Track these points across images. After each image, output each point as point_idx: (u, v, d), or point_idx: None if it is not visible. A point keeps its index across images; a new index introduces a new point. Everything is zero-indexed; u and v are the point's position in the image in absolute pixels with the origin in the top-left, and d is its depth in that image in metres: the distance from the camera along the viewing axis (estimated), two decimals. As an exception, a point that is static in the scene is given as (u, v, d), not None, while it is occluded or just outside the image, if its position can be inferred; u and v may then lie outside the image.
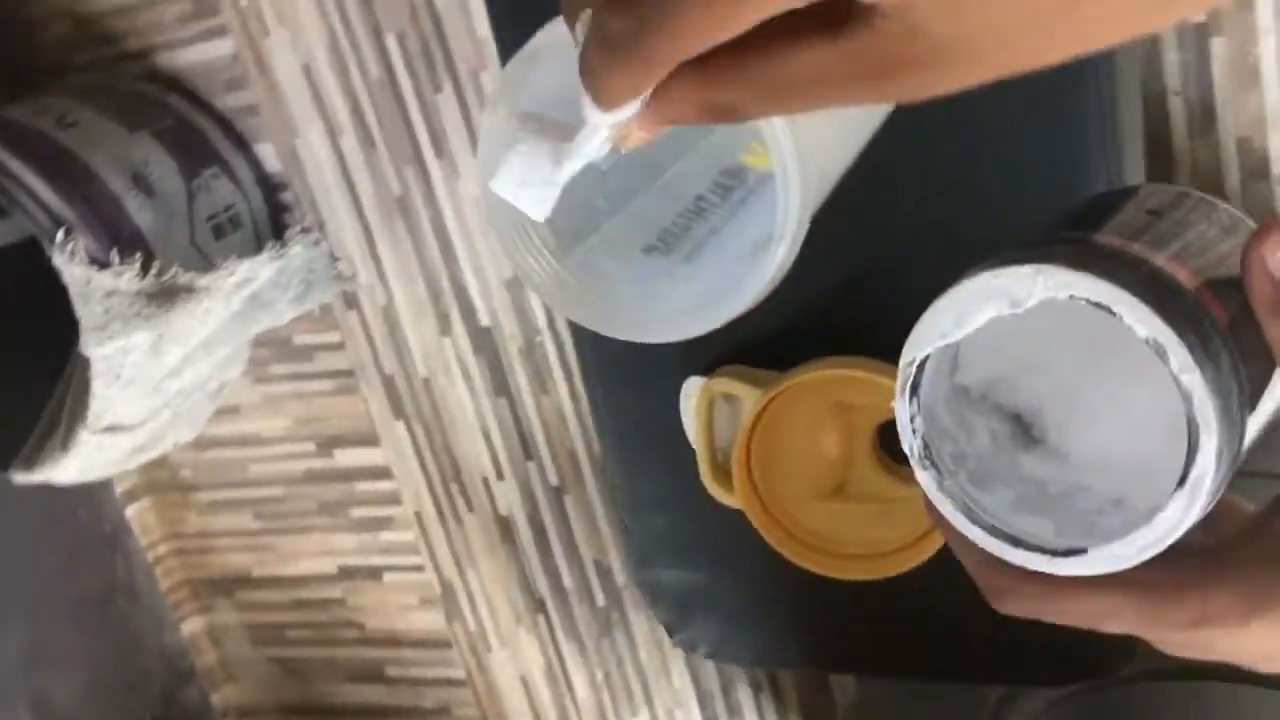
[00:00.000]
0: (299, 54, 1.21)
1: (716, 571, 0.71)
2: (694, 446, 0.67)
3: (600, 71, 0.31)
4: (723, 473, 0.65)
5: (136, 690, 1.56)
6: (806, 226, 0.41)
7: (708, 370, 0.65)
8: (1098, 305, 0.33)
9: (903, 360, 0.39)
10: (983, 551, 0.38)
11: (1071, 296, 0.34)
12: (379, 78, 1.19)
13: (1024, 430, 0.40)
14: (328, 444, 1.44)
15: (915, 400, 0.39)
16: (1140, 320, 0.33)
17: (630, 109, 0.32)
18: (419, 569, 1.45)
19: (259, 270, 1.18)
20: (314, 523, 1.49)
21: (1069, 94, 0.55)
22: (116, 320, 1.10)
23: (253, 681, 1.64)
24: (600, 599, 1.36)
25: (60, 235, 1.06)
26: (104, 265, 1.10)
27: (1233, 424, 0.33)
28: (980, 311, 0.35)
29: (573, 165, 0.38)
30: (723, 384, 0.62)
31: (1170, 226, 0.38)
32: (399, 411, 1.37)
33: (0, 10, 1.32)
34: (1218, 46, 0.88)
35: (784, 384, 0.60)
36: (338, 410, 1.41)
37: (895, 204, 0.59)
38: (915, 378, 0.38)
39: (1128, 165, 0.59)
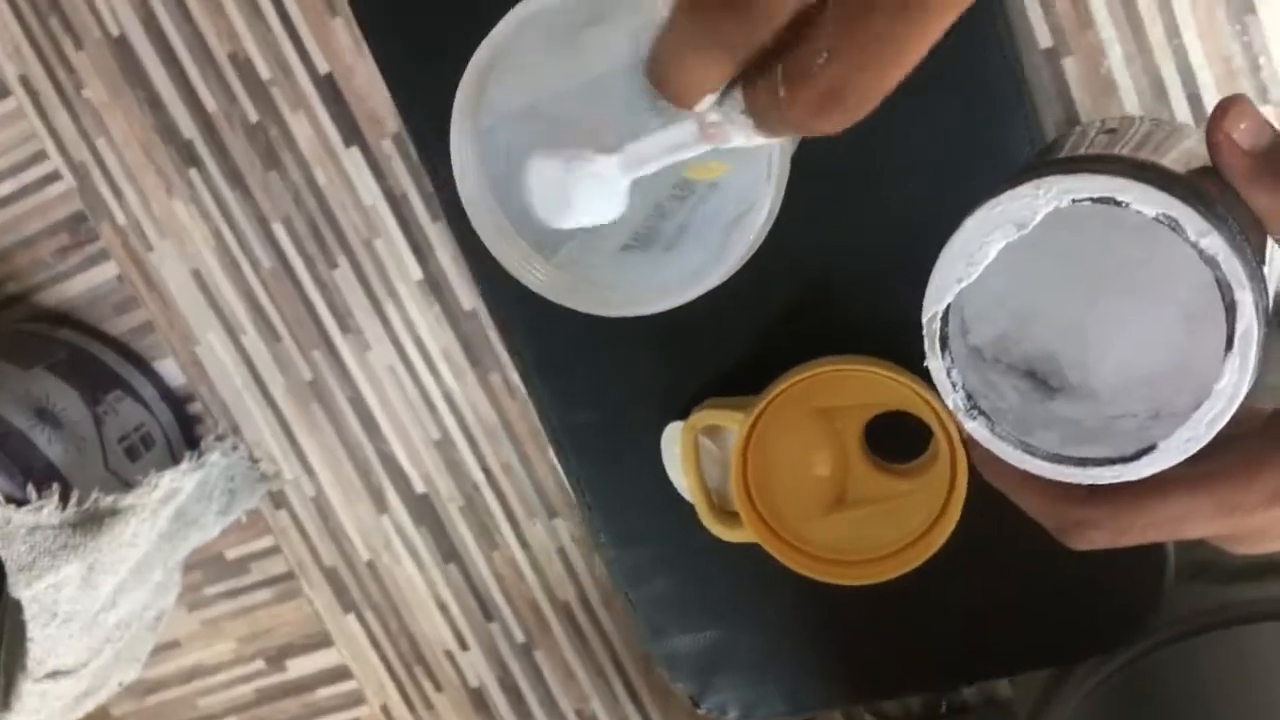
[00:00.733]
0: (186, 261, 1.21)
1: (731, 624, 0.70)
2: (684, 495, 0.66)
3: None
4: (721, 512, 0.65)
5: None
6: (788, 172, 0.42)
7: (681, 417, 0.65)
8: (1102, 200, 0.34)
9: (925, 316, 0.38)
10: (1048, 488, 0.38)
11: (1074, 200, 0.34)
12: (272, 267, 1.20)
13: (1043, 382, 0.40)
14: (278, 656, 1.38)
15: (948, 354, 0.38)
16: (1148, 200, 0.33)
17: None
18: (396, 767, 1.38)
19: (181, 481, 1.15)
20: (276, 746, 1.41)
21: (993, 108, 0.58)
22: (43, 556, 1.06)
23: None
24: (591, 752, 1.31)
25: (-28, 478, 1.03)
26: (21, 503, 1.06)
27: (1257, 279, 0.34)
28: (989, 243, 0.36)
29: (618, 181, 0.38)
30: (705, 417, 0.62)
31: (1134, 135, 0.40)
32: (348, 604, 1.32)
33: None
34: (1070, 66, 0.95)
35: (764, 401, 0.60)
36: (283, 618, 1.36)
37: (824, 202, 0.60)
38: (942, 330, 0.38)
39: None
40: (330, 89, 1.11)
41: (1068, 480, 0.37)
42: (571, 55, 0.44)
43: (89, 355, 1.23)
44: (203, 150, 1.16)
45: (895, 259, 0.55)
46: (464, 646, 1.31)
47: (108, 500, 1.09)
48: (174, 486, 1.14)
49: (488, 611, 1.29)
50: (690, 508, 0.66)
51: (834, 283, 0.61)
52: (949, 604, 0.66)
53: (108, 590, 1.13)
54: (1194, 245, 0.33)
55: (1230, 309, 0.33)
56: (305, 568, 1.32)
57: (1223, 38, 0.91)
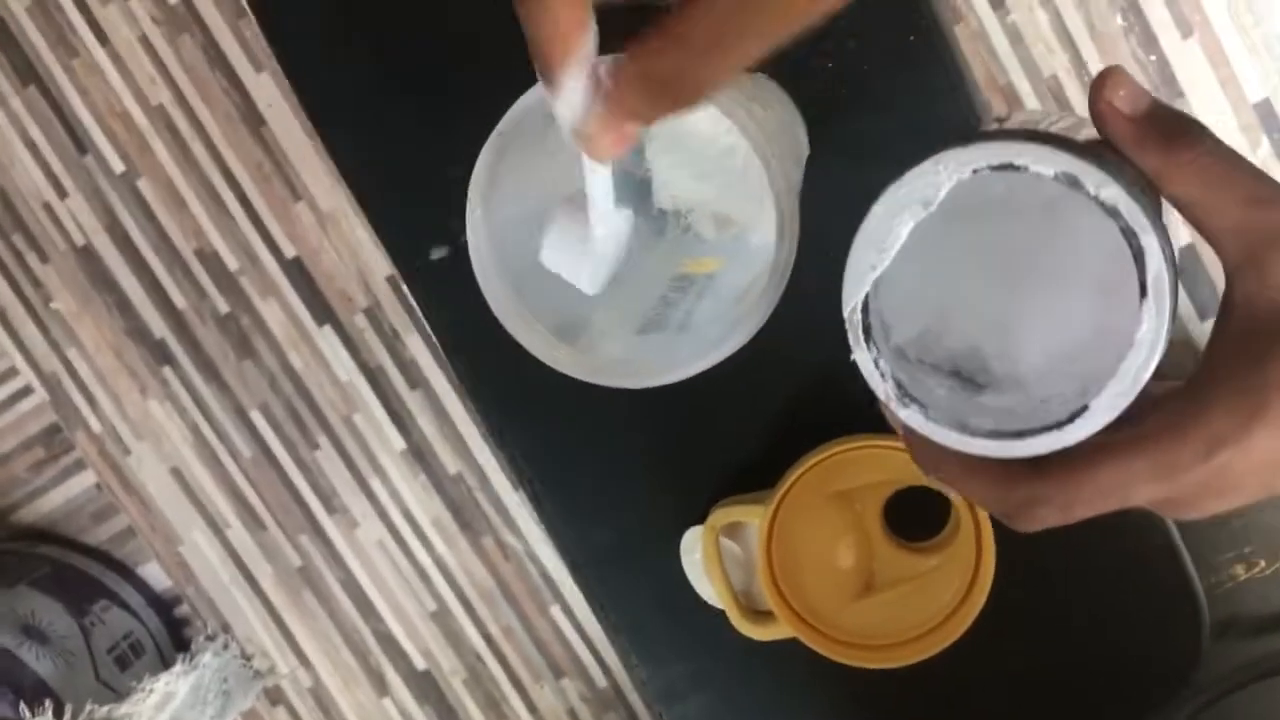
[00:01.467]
0: (165, 460, 1.20)
1: (773, 732, 0.68)
2: (709, 601, 0.66)
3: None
4: (750, 612, 0.64)
5: None
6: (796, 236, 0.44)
7: (697, 522, 0.65)
8: (1002, 167, 0.35)
9: (845, 310, 0.38)
10: (992, 471, 0.38)
11: (974, 171, 0.35)
12: (252, 456, 1.19)
13: (969, 380, 0.40)
14: None
15: (873, 345, 0.38)
16: (1044, 160, 0.34)
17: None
18: None
19: (175, 685, 1.12)
20: None
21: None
22: (39, 776, 1.02)
23: None
24: None
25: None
26: (14, 723, 1.02)
27: (1160, 227, 0.34)
28: (899, 225, 0.36)
29: (595, 216, 0.40)
30: (724, 515, 0.62)
31: (1037, 118, 0.42)
32: (356, 799, 1.28)
33: None
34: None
35: (781, 491, 0.61)
36: (289, 824, 1.30)
37: (819, 283, 0.61)
38: (864, 321, 0.38)
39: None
40: (299, 272, 1.13)
41: (1008, 455, 0.37)
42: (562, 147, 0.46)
43: (72, 567, 1.21)
44: (175, 347, 1.17)
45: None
46: (481, 828, 1.26)
47: (102, 712, 1.06)
48: (168, 691, 1.10)
49: (503, 787, 1.24)
50: (716, 615, 0.65)
51: (836, 365, 0.62)
52: (988, 675, 0.65)
53: (108, 808, 1.08)
54: (1095, 199, 0.34)
55: (1138, 256, 0.34)
56: (309, 765, 1.27)
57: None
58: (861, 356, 0.38)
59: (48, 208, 1.15)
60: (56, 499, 1.24)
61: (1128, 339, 0.34)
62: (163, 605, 1.25)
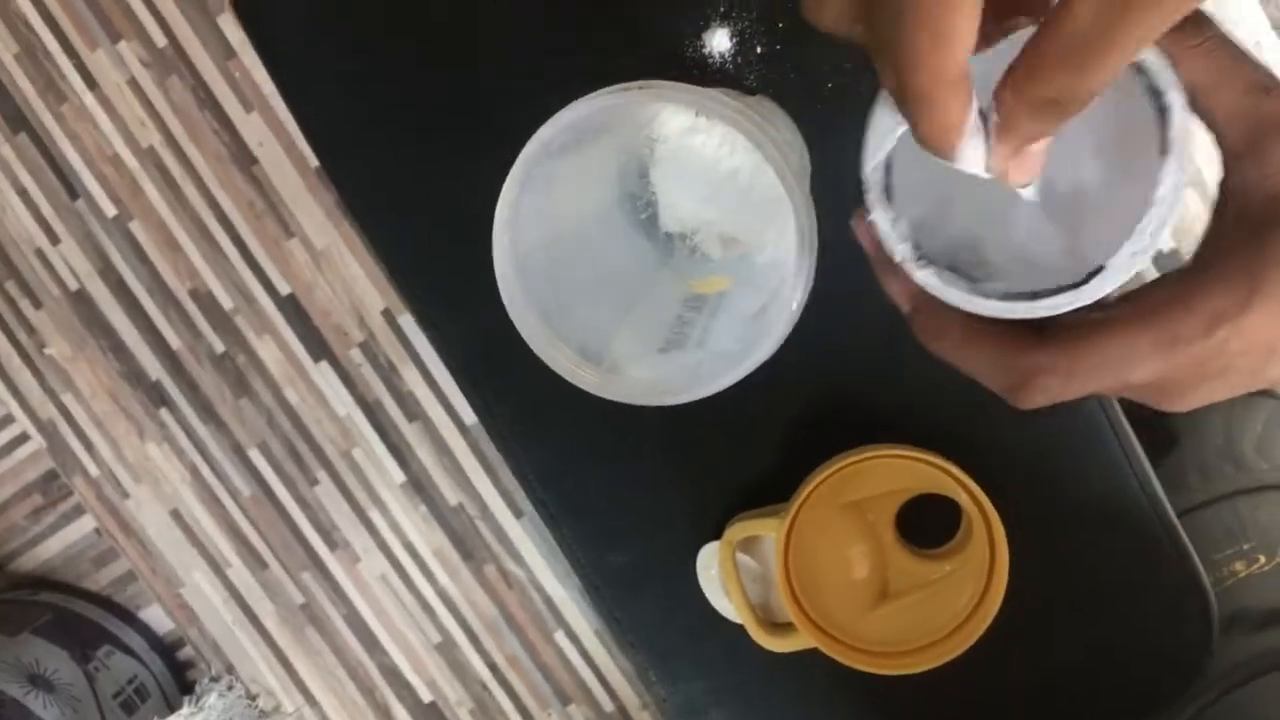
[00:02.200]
0: (164, 502, 1.20)
1: (794, 745, 0.69)
2: (727, 616, 0.66)
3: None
4: (769, 624, 0.65)
5: None
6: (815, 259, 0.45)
7: (712, 538, 0.66)
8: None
9: (867, 168, 0.37)
10: (995, 340, 0.38)
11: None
12: (252, 494, 1.19)
13: (965, 275, 0.39)
14: None
15: (893, 205, 0.37)
16: None
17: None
18: None
19: (183, 727, 1.12)
20: None
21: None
22: (50, 825, 1.01)
23: None
24: None
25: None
26: (22, 772, 1.02)
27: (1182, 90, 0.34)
28: None
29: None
30: (740, 530, 0.63)
31: None
32: (365, 835, 1.27)
33: None
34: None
35: (796, 503, 0.62)
36: None
37: (833, 296, 0.62)
38: (885, 180, 0.37)
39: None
40: (294, 309, 1.13)
41: (1022, 315, 0.36)
42: (585, 170, 0.47)
43: (74, 614, 1.20)
44: (171, 389, 1.17)
45: (900, 347, 0.58)
46: None
47: (111, 757, 1.05)
48: (177, 732, 1.10)
49: (513, 817, 1.24)
50: (733, 630, 0.66)
51: (847, 377, 0.63)
52: (1007, 676, 0.66)
53: None
54: (1137, 62, 0.33)
55: (1163, 112, 0.33)
56: (317, 803, 1.27)
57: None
58: (880, 216, 0.37)
59: (40, 253, 1.15)
60: (56, 545, 1.23)
61: (1136, 206, 0.34)
62: (166, 648, 1.24)
